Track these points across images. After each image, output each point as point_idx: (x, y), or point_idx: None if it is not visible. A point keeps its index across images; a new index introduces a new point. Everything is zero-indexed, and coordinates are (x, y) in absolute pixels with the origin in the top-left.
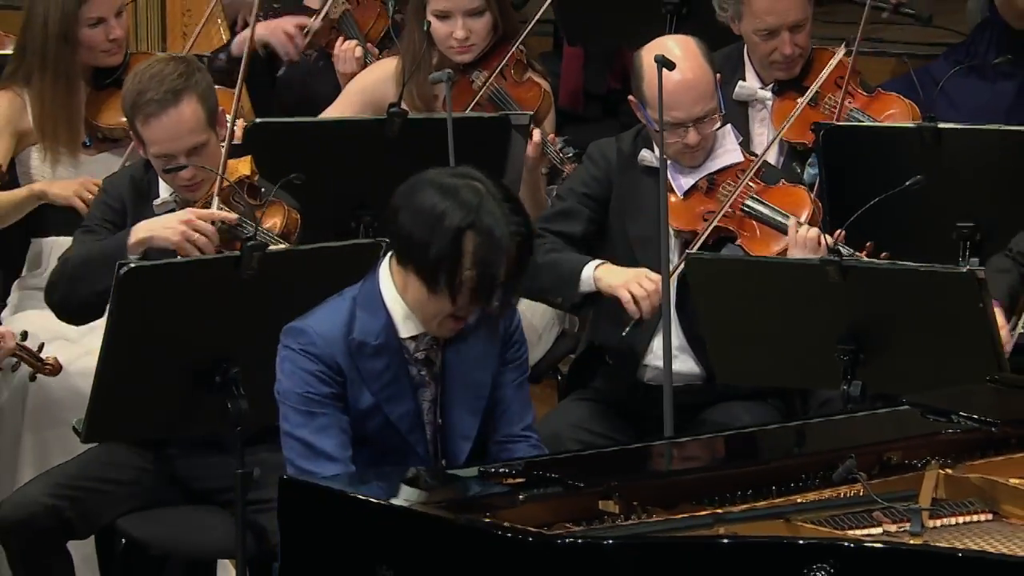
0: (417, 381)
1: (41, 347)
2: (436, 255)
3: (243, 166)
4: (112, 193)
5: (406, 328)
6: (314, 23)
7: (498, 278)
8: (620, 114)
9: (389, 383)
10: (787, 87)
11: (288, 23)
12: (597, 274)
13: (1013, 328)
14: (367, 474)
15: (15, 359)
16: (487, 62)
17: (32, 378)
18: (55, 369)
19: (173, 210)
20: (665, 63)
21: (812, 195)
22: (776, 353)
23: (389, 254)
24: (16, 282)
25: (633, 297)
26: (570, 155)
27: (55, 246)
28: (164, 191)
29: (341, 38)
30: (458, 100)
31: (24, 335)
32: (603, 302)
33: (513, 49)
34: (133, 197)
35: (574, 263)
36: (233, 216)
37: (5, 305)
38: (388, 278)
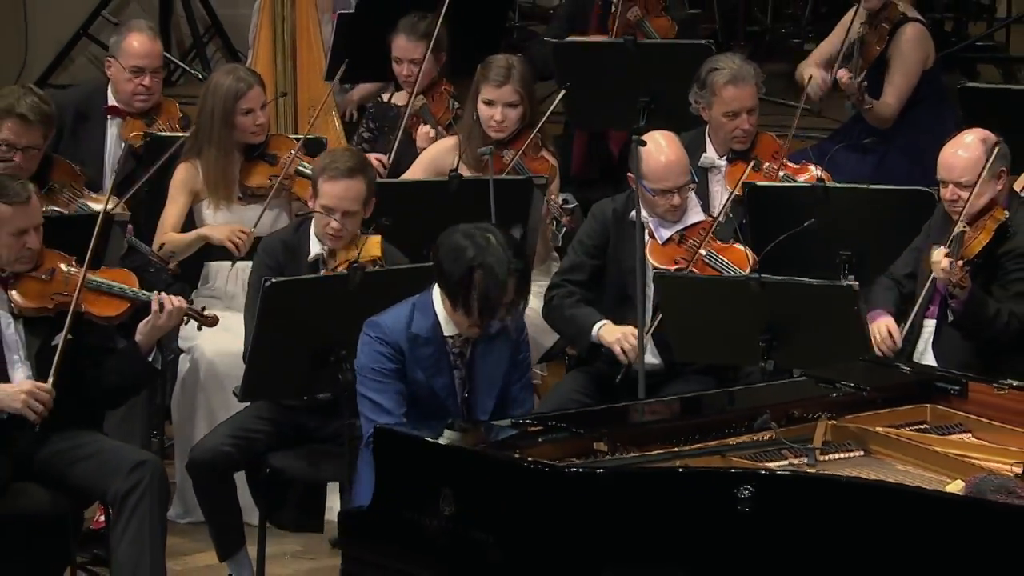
0: (453, 365)
1: (203, 308)
2: (455, 283)
3: (374, 248)
4: (270, 255)
5: (448, 328)
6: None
7: (499, 303)
8: (616, 178)
9: (433, 364)
10: (736, 158)
11: (372, 158)
12: (600, 333)
13: (903, 332)
14: (436, 425)
15: (186, 317)
16: (515, 143)
17: (199, 328)
18: (214, 320)
19: (318, 261)
20: (640, 143)
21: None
22: (716, 340)
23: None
24: (193, 292)
25: (623, 350)
26: (568, 209)
27: (220, 268)
28: (315, 248)
29: (421, 123)
30: (495, 168)
31: (191, 301)
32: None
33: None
34: (286, 256)
35: (586, 323)
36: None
37: None
38: (438, 293)
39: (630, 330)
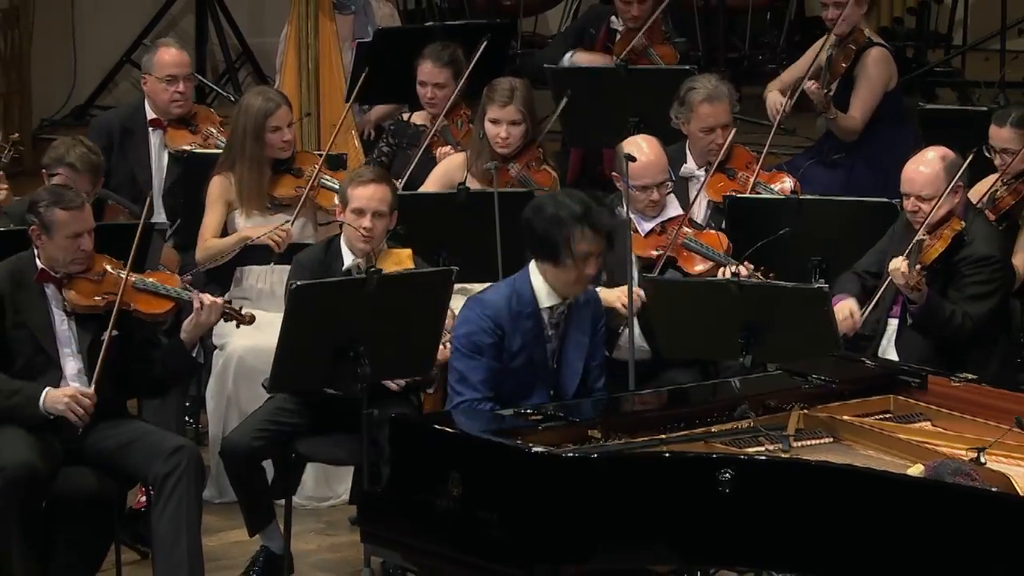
0: (546, 337)
1: (240, 307)
2: (562, 241)
3: (406, 260)
4: (304, 266)
5: (546, 300)
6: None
7: (601, 248)
8: (606, 188)
9: (531, 336)
10: (714, 169)
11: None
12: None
13: (863, 315)
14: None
15: (225, 316)
16: (519, 157)
17: (237, 325)
18: (251, 319)
19: (352, 271)
20: (629, 158)
21: (722, 236)
22: (699, 337)
23: (533, 259)
24: (227, 294)
25: (623, 304)
26: None
27: (251, 271)
28: (347, 259)
29: (443, 143)
30: (501, 180)
31: (229, 301)
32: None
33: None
34: (321, 270)
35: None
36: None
37: None
38: (535, 270)
39: (621, 291)
